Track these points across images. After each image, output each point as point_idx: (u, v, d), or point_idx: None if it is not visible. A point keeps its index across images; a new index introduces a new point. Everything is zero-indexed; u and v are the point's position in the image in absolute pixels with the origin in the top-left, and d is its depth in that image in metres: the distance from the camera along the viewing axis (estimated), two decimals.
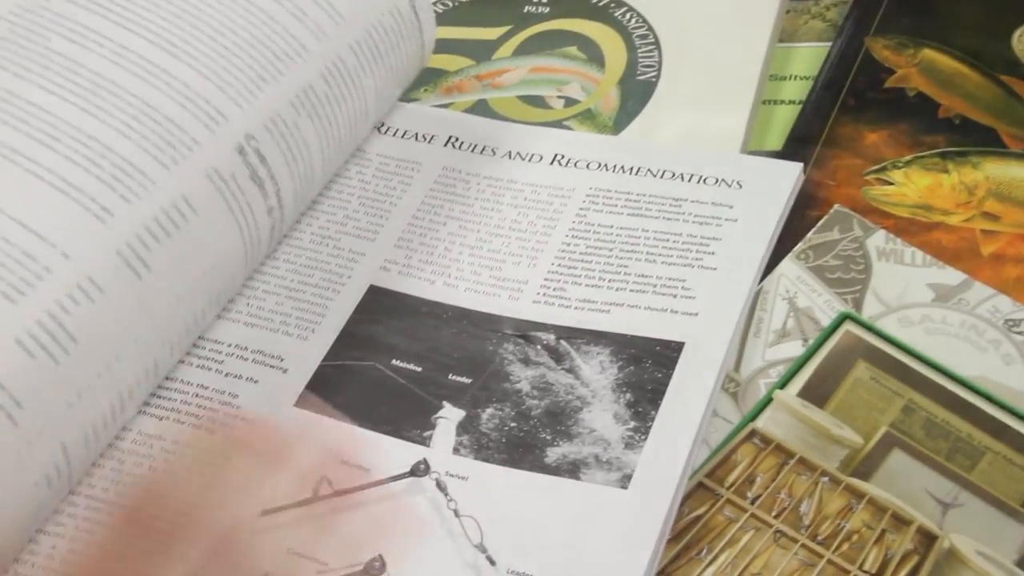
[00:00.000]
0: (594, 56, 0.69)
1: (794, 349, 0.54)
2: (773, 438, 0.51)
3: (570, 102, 0.67)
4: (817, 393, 0.52)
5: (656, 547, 0.47)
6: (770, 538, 0.48)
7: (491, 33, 0.71)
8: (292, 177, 0.54)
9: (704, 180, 0.59)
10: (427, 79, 0.69)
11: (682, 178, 0.60)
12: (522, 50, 0.70)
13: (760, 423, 0.52)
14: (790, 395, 0.52)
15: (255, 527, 0.48)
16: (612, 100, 0.67)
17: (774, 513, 0.49)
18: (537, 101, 0.67)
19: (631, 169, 0.61)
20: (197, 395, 0.53)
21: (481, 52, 0.70)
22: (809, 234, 0.58)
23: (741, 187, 0.59)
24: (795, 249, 0.57)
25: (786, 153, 0.62)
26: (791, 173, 0.59)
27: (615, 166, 0.61)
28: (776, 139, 0.64)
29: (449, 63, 0.70)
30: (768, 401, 0.52)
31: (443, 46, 0.70)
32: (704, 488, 0.50)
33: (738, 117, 0.64)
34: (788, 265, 0.57)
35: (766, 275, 0.56)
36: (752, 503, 0.49)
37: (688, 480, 0.49)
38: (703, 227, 0.57)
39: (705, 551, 0.48)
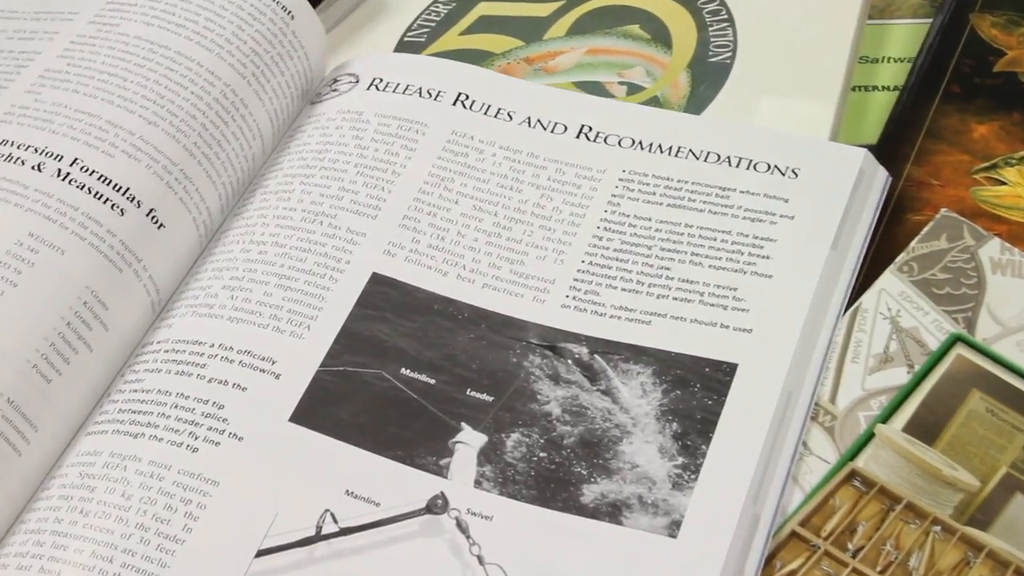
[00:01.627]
0: (660, 35, 0.68)
1: (898, 377, 0.53)
2: (876, 480, 0.50)
3: (633, 88, 0.66)
4: (926, 428, 0.51)
5: None
6: None
7: (542, 9, 0.71)
8: (53, 132, 0.56)
9: (754, 165, 0.58)
10: (471, 62, 0.68)
11: (728, 162, 0.59)
12: (577, 29, 0.69)
13: (860, 463, 0.51)
14: (894, 430, 0.51)
15: (249, 571, 0.46)
16: (681, 86, 0.65)
17: (879, 568, 0.48)
18: (595, 88, 0.66)
19: (669, 149, 0.60)
20: (177, 406, 0.51)
21: (531, 31, 0.69)
22: (913, 243, 0.57)
23: (796, 176, 0.58)
24: (897, 260, 0.56)
25: (881, 147, 0.62)
26: (853, 160, 0.58)
27: (651, 144, 0.60)
28: (871, 131, 0.64)
29: (495, 44, 0.69)
30: (869, 437, 0.51)
31: (488, 24, 0.70)
32: (798, 538, 0.49)
33: (825, 105, 0.63)
34: (889, 279, 0.56)
35: (863, 290, 0.55)
36: (854, 556, 0.48)
37: (779, 529, 0.49)
38: (755, 224, 0.56)
39: None
